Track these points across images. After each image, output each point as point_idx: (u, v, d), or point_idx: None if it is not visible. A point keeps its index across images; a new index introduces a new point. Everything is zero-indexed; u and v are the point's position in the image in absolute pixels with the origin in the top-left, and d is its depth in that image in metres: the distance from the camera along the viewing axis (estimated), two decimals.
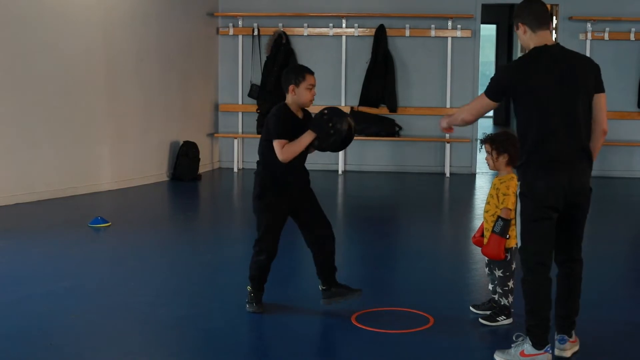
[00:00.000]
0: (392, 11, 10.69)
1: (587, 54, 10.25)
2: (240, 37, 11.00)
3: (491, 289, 4.65)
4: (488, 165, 4.55)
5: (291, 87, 4.53)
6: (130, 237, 6.87)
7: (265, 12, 10.87)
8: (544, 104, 3.74)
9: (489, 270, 4.63)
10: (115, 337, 4.37)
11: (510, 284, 4.52)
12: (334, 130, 4.43)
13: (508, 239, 4.40)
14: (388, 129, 10.62)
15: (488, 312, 4.59)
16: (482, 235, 4.59)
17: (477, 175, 10.69)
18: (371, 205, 8.47)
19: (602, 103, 3.85)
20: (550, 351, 3.87)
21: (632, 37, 10.34)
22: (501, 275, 4.53)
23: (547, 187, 3.74)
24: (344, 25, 10.80)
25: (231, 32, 11.00)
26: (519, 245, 3.87)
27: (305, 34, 10.85)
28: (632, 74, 10.41)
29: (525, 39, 3.88)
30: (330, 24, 10.81)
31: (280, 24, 10.81)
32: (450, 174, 10.62)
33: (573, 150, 3.77)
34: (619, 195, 9.43)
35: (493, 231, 4.40)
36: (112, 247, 6.58)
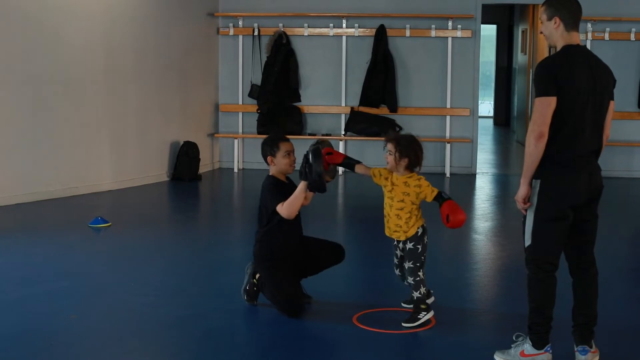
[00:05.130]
0: (392, 11, 10.69)
1: None
2: (240, 37, 10.99)
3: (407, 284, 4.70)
4: (388, 163, 4.56)
5: (269, 158, 4.74)
6: (130, 237, 6.87)
7: (266, 12, 10.87)
8: (581, 103, 3.72)
9: (399, 270, 4.67)
10: (115, 337, 4.37)
11: (421, 274, 4.52)
12: (308, 169, 4.51)
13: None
14: (388, 129, 10.60)
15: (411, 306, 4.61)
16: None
17: (477, 175, 10.69)
18: (371, 205, 8.45)
19: (611, 110, 3.90)
20: (551, 351, 3.87)
21: (632, 37, 10.34)
22: (411, 266, 4.52)
23: (573, 185, 3.75)
24: (344, 25, 10.79)
25: (231, 32, 11.00)
26: (528, 243, 3.84)
27: (305, 34, 10.84)
28: (632, 74, 10.41)
29: (556, 34, 3.80)
30: (331, 24, 10.81)
31: (281, 24, 10.81)
32: (451, 174, 10.63)
33: (593, 150, 3.82)
34: (619, 195, 9.42)
35: (449, 198, 4.45)
36: (112, 247, 6.57)
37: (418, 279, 4.54)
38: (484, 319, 4.79)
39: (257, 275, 4.82)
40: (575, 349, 3.93)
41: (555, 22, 3.79)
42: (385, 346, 4.23)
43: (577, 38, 3.83)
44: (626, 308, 4.97)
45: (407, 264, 4.56)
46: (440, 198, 4.47)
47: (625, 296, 5.32)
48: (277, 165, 4.73)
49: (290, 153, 4.73)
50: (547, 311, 3.84)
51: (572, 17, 3.78)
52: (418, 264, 4.55)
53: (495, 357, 3.97)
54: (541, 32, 3.94)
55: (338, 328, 4.50)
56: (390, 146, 4.52)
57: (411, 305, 4.64)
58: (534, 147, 3.70)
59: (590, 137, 3.78)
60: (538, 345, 3.85)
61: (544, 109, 3.67)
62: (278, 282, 4.65)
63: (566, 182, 3.76)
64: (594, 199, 3.86)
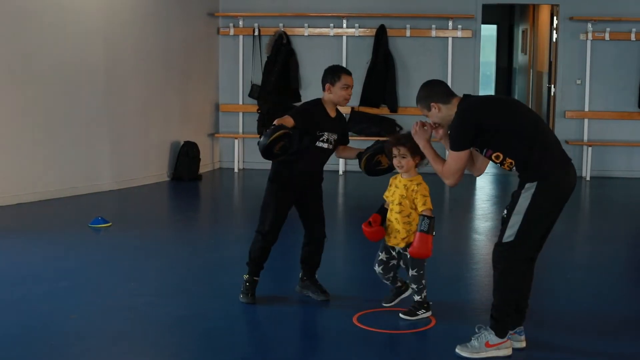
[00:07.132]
0: (392, 11, 10.69)
1: (588, 54, 10.31)
2: (240, 37, 10.99)
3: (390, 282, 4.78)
4: (400, 168, 4.58)
5: (327, 85, 4.78)
6: (130, 237, 6.87)
7: (266, 12, 10.87)
8: (528, 117, 4.02)
9: (381, 268, 4.73)
10: (115, 337, 4.37)
11: (424, 282, 4.59)
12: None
13: (434, 235, 4.44)
14: (388, 129, 10.58)
15: (407, 308, 4.65)
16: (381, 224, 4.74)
17: None
18: (371, 205, 8.41)
19: None
20: (510, 337, 4.03)
21: (632, 37, 10.32)
22: (415, 274, 4.56)
23: (570, 181, 3.96)
24: (344, 25, 10.79)
25: (232, 32, 11.00)
26: (510, 239, 3.91)
27: (305, 34, 10.84)
28: (632, 74, 10.38)
29: (442, 114, 4.11)
30: (331, 24, 10.81)
31: (281, 24, 10.81)
32: None
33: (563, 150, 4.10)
34: (619, 195, 9.42)
35: (420, 230, 4.42)
36: (112, 247, 6.57)
37: (421, 286, 4.59)
38: (484, 319, 4.76)
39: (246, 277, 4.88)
40: (513, 331, 4.08)
41: (435, 108, 4.11)
42: (385, 346, 4.23)
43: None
44: (626, 308, 4.98)
45: (411, 272, 4.57)
46: (420, 222, 4.45)
47: (625, 296, 5.33)
48: (333, 94, 4.75)
49: (348, 87, 4.77)
50: (522, 301, 4.02)
51: (441, 92, 4.14)
52: (422, 271, 4.58)
53: (457, 351, 4.01)
54: (435, 123, 4.22)
55: (338, 328, 4.50)
56: (403, 150, 4.53)
57: (392, 303, 4.77)
58: (444, 180, 4.27)
59: (555, 139, 4.06)
60: (502, 334, 3.99)
61: (460, 162, 4.16)
62: (269, 208, 4.79)
63: (564, 180, 3.94)
64: None
